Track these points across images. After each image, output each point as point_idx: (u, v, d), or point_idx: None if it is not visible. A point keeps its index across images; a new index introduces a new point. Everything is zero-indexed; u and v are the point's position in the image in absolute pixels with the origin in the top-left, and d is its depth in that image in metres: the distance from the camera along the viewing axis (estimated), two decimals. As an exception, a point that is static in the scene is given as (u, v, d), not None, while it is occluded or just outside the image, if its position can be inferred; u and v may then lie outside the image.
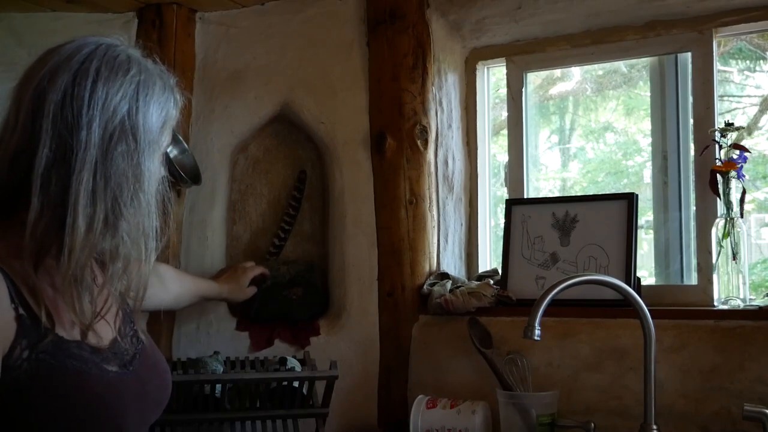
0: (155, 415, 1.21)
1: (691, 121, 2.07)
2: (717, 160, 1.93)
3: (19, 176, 1.05)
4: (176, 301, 1.98)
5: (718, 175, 1.90)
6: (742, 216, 1.88)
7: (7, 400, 0.99)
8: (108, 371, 1.10)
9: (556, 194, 2.49)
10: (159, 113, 1.13)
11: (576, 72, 2.51)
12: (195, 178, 2.27)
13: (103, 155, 1.05)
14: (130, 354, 1.17)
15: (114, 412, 1.09)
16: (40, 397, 1.01)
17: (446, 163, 2.24)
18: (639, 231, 2.02)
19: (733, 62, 2.40)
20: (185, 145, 2.28)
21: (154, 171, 1.12)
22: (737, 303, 1.85)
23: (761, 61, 2.35)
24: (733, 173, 1.88)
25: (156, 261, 1.95)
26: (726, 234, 1.88)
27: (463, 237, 2.32)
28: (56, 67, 1.07)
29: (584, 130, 2.66)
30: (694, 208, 2.04)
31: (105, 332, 1.15)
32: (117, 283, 1.12)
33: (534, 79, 2.39)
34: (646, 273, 2.18)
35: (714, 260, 1.91)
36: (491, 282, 2.10)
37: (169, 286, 1.90)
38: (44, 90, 1.06)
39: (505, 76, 2.31)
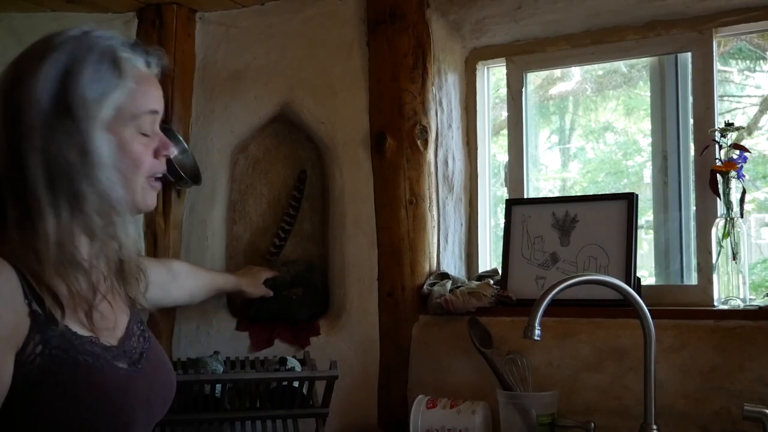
0: (161, 414, 1.21)
1: (691, 121, 2.07)
2: (717, 160, 1.93)
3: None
4: (191, 296, 1.98)
5: (718, 175, 1.90)
6: (742, 216, 1.88)
7: (19, 395, 1.00)
8: (119, 368, 1.11)
9: (556, 194, 2.48)
10: (98, 88, 1.09)
11: (576, 72, 2.51)
12: (195, 178, 2.27)
13: (46, 140, 1.04)
14: (138, 352, 1.18)
15: (124, 409, 1.09)
16: (52, 392, 1.02)
17: (446, 163, 2.24)
18: (639, 231, 2.02)
19: (733, 62, 2.40)
20: (185, 145, 2.29)
21: (103, 145, 1.08)
22: (737, 303, 1.85)
23: (761, 61, 2.35)
24: (733, 173, 1.88)
25: (169, 258, 1.94)
26: (726, 234, 1.88)
27: (463, 237, 2.32)
28: (14, 62, 1.11)
29: (584, 130, 2.66)
30: (694, 208, 2.04)
31: (115, 330, 1.16)
32: (104, 260, 1.13)
33: (534, 79, 2.39)
34: (646, 273, 2.18)
35: (714, 260, 1.91)
36: (491, 282, 2.10)
37: (183, 283, 1.90)
38: (3, 82, 1.09)
39: (505, 76, 2.31)
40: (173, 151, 1.23)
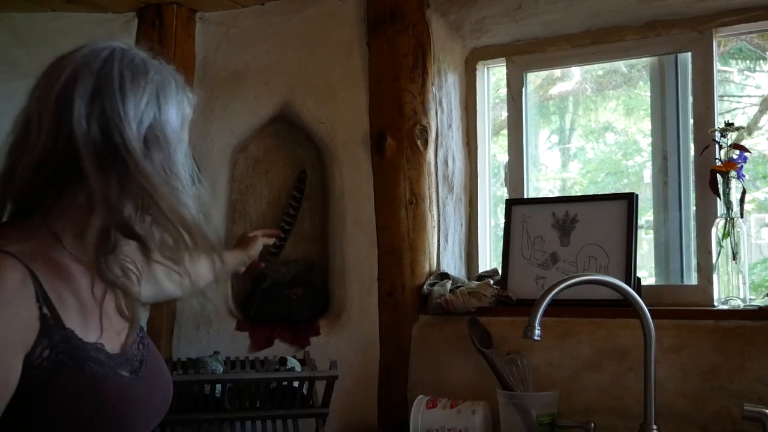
0: (158, 421, 1.22)
1: (691, 121, 2.06)
2: (717, 160, 1.93)
3: (46, 180, 1.07)
4: (191, 282, 1.96)
5: (718, 175, 1.90)
6: (742, 216, 1.88)
7: (24, 397, 1.00)
8: (122, 376, 1.12)
9: (556, 194, 2.48)
10: (177, 111, 1.15)
11: (576, 72, 2.51)
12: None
13: (144, 157, 1.07)
14: (138, 360, 1.18)
15: (125, 416, 1.10)
16: (56, 396, 1.02)
17: (446, 163, 2.24)
18: (639, 231, 2.02)
19: (733, 62, 2.40)
20: (185, 145, 2.28)
21: (184, 166, 1.14)
22: (737, 303, 1.85)
23: (761, 61, 2.35)
24: (733, 173, 1.88)
25: None
26: (726, 234, 1.88)
27: (463, 237, 2.32)
28: (76, 72, 1.09)
29: (584, 130, 2.66)
30: (694, 208, 2.04)
31: (118, 337, 1.16)
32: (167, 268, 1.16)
33: (534, 79, 2.39)
34: (646, 273, 2.18)
35: (714, 260, 1.91)
36: (491, 282, 2.10)
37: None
38: (69, 96, 1.07)
39: (505, 76, 2.31)
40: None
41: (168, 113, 1.12)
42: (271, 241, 2.09)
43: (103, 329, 1.11)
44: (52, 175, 1.06)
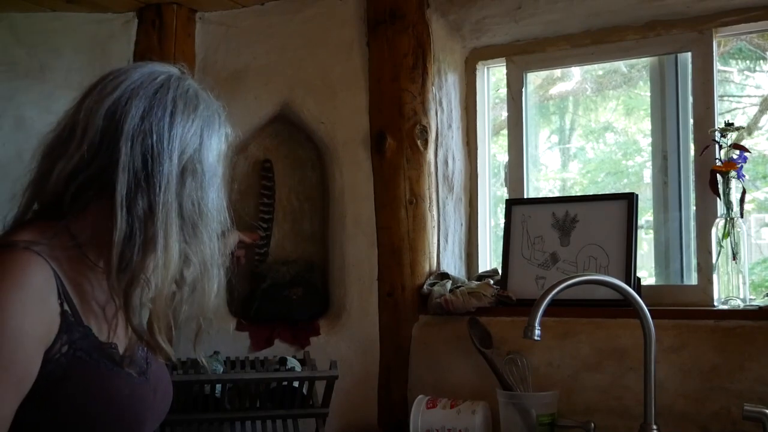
0: (159, 423, 1.24)
1: (691, 121, 2.06)
2: (717, 160, 1.93)
3: (78, 188, 1.09)
4: None
5: (718, 175, 1.90)
6: (742, 216, 1.88)
7: (40, 391, 1.01)
8: (133, 377, 1.14)
9: (556, 194, 2.48)
10: (217, 146, 1.20)
11: (576, 72, 2.51)
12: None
13: (179, 186, 1.11)
14: (144, 362, 1.21)
15: (136, 415, 1.13)
16: (72, 391, 1.04)
17: (446, 163, 2.24)
18: (639, 231, 2.02)
19: (733, 62, 2.40)
20: (185, 145, 2.28)
21: (217, 202, 1.17)
22: (737, 303, 1.85)
23: (761, 61, 2.35)
24: (733, 173, 1.88)
25: None
26: (726, 234, 1.88)
27: (463, 237, 2.32)
28: (131, 91, 1.12)
29: (584, 130, 2.66)
30: (694, 208, 2.04)
31: (126, 340, 1.19)
32: (185, 306, 1.20)
33: (534, 79, 2.39)
34: (646, 273, 2.18)
35: (714, 260, 1.91)
36: (491, 282, 2.10)
37: None
38: (121, 113, 1.10)
39: (505, 76, 2.31)
40: None
41: (209, 148, 1.17)
42: (247, 239, 2.11)
43: (116, 331, 1.14)
44: (85, 184, 1.09)
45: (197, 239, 1.14)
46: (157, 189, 1.09)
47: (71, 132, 1.11)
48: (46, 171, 1.11)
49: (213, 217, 1.16)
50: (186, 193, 1.12)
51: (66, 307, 1.05)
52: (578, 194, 2.44)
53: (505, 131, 2.35)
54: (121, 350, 1.15)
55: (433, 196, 2.18)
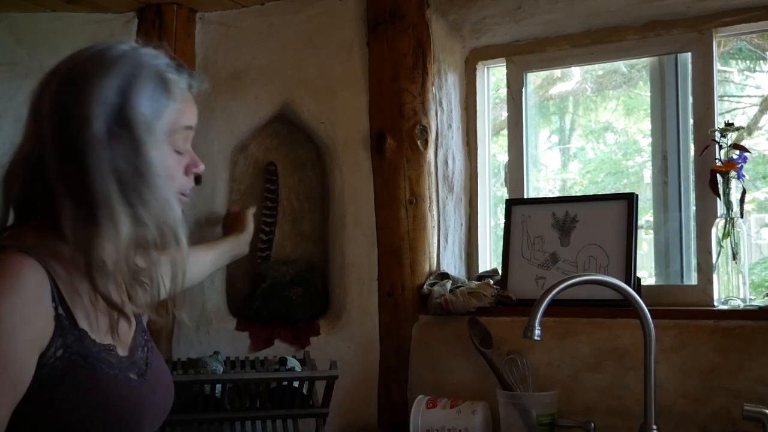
0: (160, 424, 1.23)
1: (691, 121, 2.06)
2: (717, 160, 1.93)
3: (38, 182, 1.08)
4: (198, 280, 1.96)
5: (718, 175, 1.90)
6: (742, 216, 1.88)
7: (35, 396, 1.01)
8: (131, 379, 1.13)
9: (556, 194, 2.48)
10: (153, 106, 1.13)
11: (576, 72, 2.51)
12: (195, 178, 2.26)
13: (107, 150, 1.06)
14: (144, 363, 1.19)
15: (132, 418, 1.11)
16: (67, 396, 1.03)
17: (446, 163, 2.24)
18: (639, 231, 2.02)
19: (733, 62, 2.40)
20: (185, 145, 2.28)
21: (160, 164, 1.12)
22: (737, 303, 1.85)
23: (761, 61, 2.35)
24: (733, 173, 1.88)
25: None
26: (726, 234, 1.88)
27: (463, 237, 2.32)
28: (53, 71, 1.11)
29: (584, 130, 2.66)
30: (694, 208, 2.04)
31: (126, 340, 1.17)
32: (155, 273, 1.14)
33: (534, 79, 2.39)
34: (646, 273, 2.18)
35: (714, 260, 1.91)
36: (491, 282, 2.10)
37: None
38: (42, 93, 1.09)
39: (505, 76, 2.31)
40: (202, 168, 1.27)
41: (137, 105, 1.10)
42: (254, 209, 2.13)
43: (114, 332, 1.12)
44: (39, 176, 1.07)
45: (143, 200, 1.09)
46: (84, 162, 1.05)
47: (24, 129, 1.12)
48: (8, 171, 1.11)
49: (158, 180, 1.11)
50: (118, 156, 1.07)
51: (60, 310, 1.04)
52: (578, 194, 2.44)
53: (505, 131, 2.35)
54: (120, 352, 1.13)
55: (433, 196, 2.18)
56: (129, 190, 1.07)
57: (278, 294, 2.24)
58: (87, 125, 1.06)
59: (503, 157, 2.37)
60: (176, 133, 1.19)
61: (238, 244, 2.09)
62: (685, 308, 1.89)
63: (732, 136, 1.91)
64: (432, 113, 2.18)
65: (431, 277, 2.14)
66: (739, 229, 1.87)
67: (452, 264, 2.26)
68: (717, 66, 2.02)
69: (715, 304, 1.89)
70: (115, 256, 1.07)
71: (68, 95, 1.08)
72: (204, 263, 1.91)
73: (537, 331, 1.55)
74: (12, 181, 1.10)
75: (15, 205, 1.11)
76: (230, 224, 2.19)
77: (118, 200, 1.06)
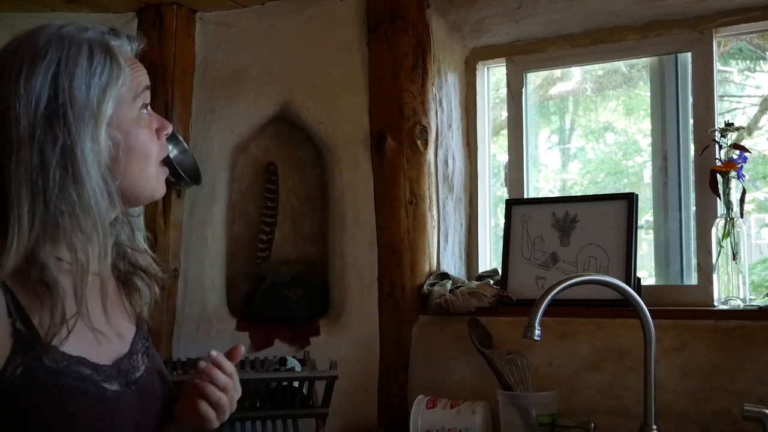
0: (153, 428, 1.14)
1: (691, 121, 2.06)
2: (717, 160, 1.93)
3: None
4: None
5: (718, 175, 1.90)
6: (742, 216, 1.88)
7: None
8: (106, 390, 1.06)
9: (556, 194, 2.48)
10: (93, 84, 1.04)
11: (576, 72, 2.50)
12: (195, 178, 2.27)
13: (36, 153, 0.99)
14: (136, 372, 1.12)
15: (106, 430, 1.05)
16: (29, 413, 0.98)
17: (446, 163, 2.24)
18: (639, 231, 2.02)
19: (733, 62, 2.40)
20: (185, 145, 2.29)
21: (91, 153, 1.02)
22: (737, 303, 1.85)
23: (761, 61, 2.35)
24: (733, 173, 1.88)
25: None
26: (726, 234, 1.88)
27: (463, 237, 2.32)
28: None
29: (584, 130, 2.66)
30: (694, 208, 2.04)
31: (112, 346, 1.11)
32: (79, 278, 1.03)
33: (534, 79, 2.39)
34: (646, 273, 2.18)
35: (714, 260, 1.91)
36: (491, 282, 2.10)
37: None
38: None
39: (505, 76, 2.31)
40: (170, 128, 1.16)
41: (71, 89, 1.01)
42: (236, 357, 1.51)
43: (93, 340, 1.05)
44: None
45: (75, 198, 1.00)
46: (8, 162, 0.98)
47: None
48: None
49: (87, 174, 1.01)
50: (44, 154, 0.99)
51: (20, 325, 0.98)
52: (578, 194, 2.44)
53: (505, 131, 2.35)
54: (99, 360, 1.06)
55: (433, 196, 2.18)
56: (45, 194, 0.99)
57: (278, 294, 2.24)
58: (13, 126, 0.99)
59: (503, 157, 2.37)
60: (138, 98, 1.10)
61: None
62: (685, 308, 1.89)
63: (732, 136, 1.91)
64: (432, 113, 2.18)
65: (431, 277, 2.14)
66: (739, 229, 1.87)
67: (452, 264, 2.26)
68: (717, 66, 2.02)
69: (715, 304, 1.89)
70: (18, 258, 0.98)
71: (2, 97, 1.01)
72: None
73: (537, 331, 1.55)
74: None
75: None
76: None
77: (26, 203, 0.98)
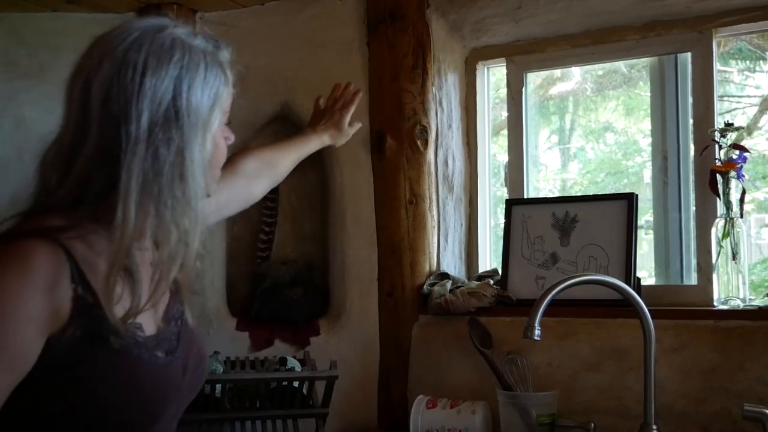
0: (188, 401, 1.20)
1: (691, 121, 2.07)
2: (717, 160, 1.93)
3: (78, 171, 1.05)
4: (274, 183, 1.79)
5: (717, 175, 1.90)
6: (741, 216, 1.88)
7: (55, 377, 1.00)
8: (158, 357, 1.11)
9: (556, 194, 2.48)
10: (206, 93, 1.12)
11: (576, 72, 2.51)
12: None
13: (149, 146, 1.04)
14: (174, 339, 1.17)
15: (157, 398, 1.10)
16: (87, 377, 1.02)
17: (446, 163, 2.24)
18: (639, 231, 2.02)
19: (733, 62, 2.40)
20: (185, 145, 2.28)
21: (199, 157, 1.09)
22: (737, 303, 1.85)
23: (761, 61, 2.35)
24: (732, 173, 1.88)
25: (235, 159, 1.69)
26: (726, 234, 1.88)
27: (463, 237, 2.32)
28: (102, 57, 1.06)
29: (584, 130, 2.66)
30: (694, 208, 2.04)
31: (156, 315, 1.15)
32: (166, 271, 1.09)
33: (534, 79, 2.39)
34: (646, 273, 2.18)
35: (714, 260, 1.91)
36: (491, 282, 2.10)
37: (262, 178, 1.72)
38: (90, 82, 1.05)
39: (505, 76, 2.31)
40: (233, 139, 1.27)
41: (189, 96, 1.08)
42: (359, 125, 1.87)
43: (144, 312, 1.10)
44: (82, 163, 1.05)
45: (175, 199, 1.06)
46: (122, 155, 1.03)
47: (63, 116, 1.08)
48: (48, 159, 1.08)
49: (193, 174, 1.08)
50: (157, 152, 1.04)
51: (81, 291, 1.02)
52: (578, 194, 2.44)
53: (505, 131, 2.35)
54: (148, 330, 1.11)
55: (433, 196, 2.18)
56: (154, 188, 1.05)
57: (278, 294, 2.25)
58: (137, 120, 1.03)
59: (503, 157, 2.37)
60: (228, 112, 1.20)
61: (308, 145, 1.86)
62: (685, 308, 1.89)
63: (732, 136, 1.91)
64: (432, 113, 2.18)
65: (431, 277, 2.14)
66: (738, 229, 1.87)
67: (452, 264, 2.26)
68: (717, 66, 2.02)
69: (715, 304, 1.89)
70: (124, 245, 1.04)
71: (120, 91, 1.04)
72: (263, 179, 1.75)
73: (537, 331, 1.55)
74: (48, 165, 1.08)
75: (49, 190, 1.08)
76: (320, 117, 1.88)
77: (136, 196, 1.03)
